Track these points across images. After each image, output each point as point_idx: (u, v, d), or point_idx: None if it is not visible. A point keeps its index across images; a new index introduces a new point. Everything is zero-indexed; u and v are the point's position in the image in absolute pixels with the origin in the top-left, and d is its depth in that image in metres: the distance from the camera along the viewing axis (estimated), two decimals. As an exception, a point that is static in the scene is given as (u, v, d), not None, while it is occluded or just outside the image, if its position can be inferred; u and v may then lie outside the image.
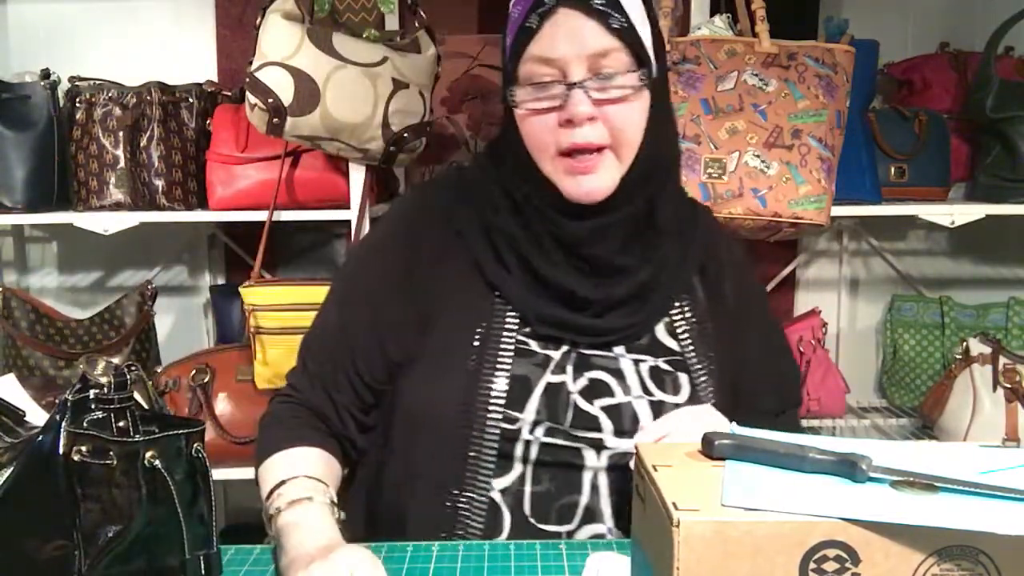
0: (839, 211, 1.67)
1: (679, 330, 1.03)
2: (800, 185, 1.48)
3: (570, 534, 0.96)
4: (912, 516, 0.50)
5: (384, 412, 1.03)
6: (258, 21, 1.50)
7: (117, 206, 1.72)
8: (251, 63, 1.49)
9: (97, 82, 1.79)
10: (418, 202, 1.09)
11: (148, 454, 0.68)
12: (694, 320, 1.04)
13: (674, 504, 0.51)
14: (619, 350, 1.00)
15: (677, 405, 0.98)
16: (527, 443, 0.95)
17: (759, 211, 1.48)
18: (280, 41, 1.47)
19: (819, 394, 1.90)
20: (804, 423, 1.94)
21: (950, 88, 1.91)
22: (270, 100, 1.46)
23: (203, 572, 0.72)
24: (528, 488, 0.95)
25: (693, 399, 0.99)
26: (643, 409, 0.97)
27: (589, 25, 0.91)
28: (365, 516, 1.04)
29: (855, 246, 2.13)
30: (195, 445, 0.72)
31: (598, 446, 0.95)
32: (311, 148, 1.63)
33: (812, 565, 0.50)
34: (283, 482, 0.91)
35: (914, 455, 0.59)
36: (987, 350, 1.76)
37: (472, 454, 0.95)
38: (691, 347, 1.02)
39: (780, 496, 0.52)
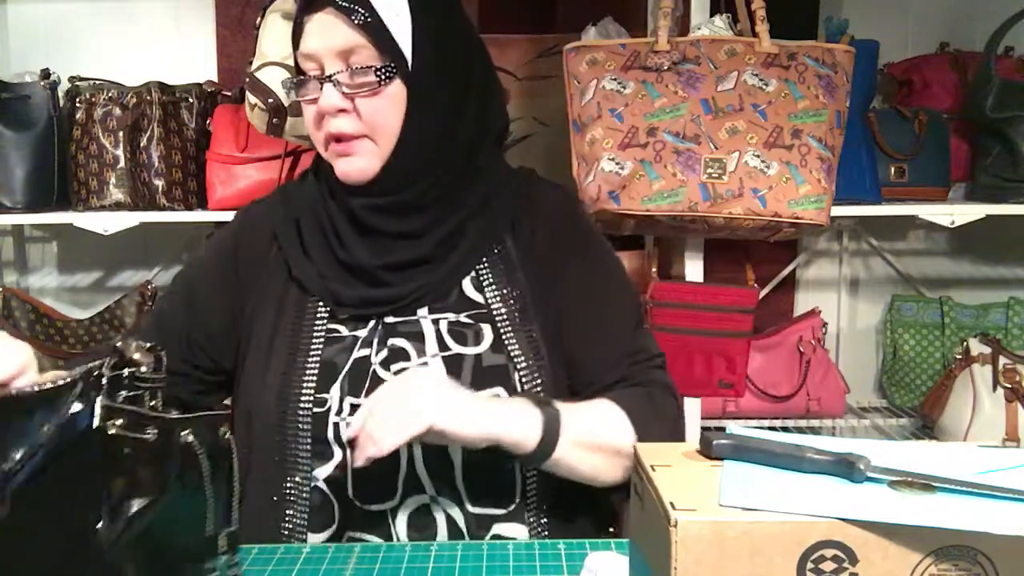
0: (839, 211, 1.67)
1: (485, 283, 1.05)
2: (800, 185, 1.48)
3: (394, 510, 0.97)
4: (910, 516, 0.50)
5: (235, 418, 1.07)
6: (258, 21, 1.50)
7: (117, 206, 1.72)
8: (251, 63, 1.49)
9: (97, 82, 1.79)
10: (238, 219, 1.17)
11: (183, 432, 0.69)
12: (502, 271, 1.06)
13: (672, 504, 0.51)
14: (423, 312, 1.03)
15: (478, 356, 1.00)
16: (336, 425, 0.97)
17: (759, 211, 1.48)
18: (280, 41, 1.47)
19: (819, 394, 1.90)
20: (804, 423, 1.94)
21: (950, 88, 1.91)
22: (270, 100, 1.46)
23: (226, 548, 0.74)
24: (349, 472, 0.97)
25: (496, 347, 1.01)
26: (438, 366, 0.99)
27: (335, 22, 0.97)
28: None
29: (855, 246, 2.13)
30: (223, 428, 0.74)
31: None
32: (311, 148, 1.62)
33: (810, 565, 0.50)
34: None
35: (913, 455, 0.59)
36: (987, 350, 1.76)
37: (289, 441, 0.98)
38: (496, 297, 1.04)
39: (778, 496, 0.52)
